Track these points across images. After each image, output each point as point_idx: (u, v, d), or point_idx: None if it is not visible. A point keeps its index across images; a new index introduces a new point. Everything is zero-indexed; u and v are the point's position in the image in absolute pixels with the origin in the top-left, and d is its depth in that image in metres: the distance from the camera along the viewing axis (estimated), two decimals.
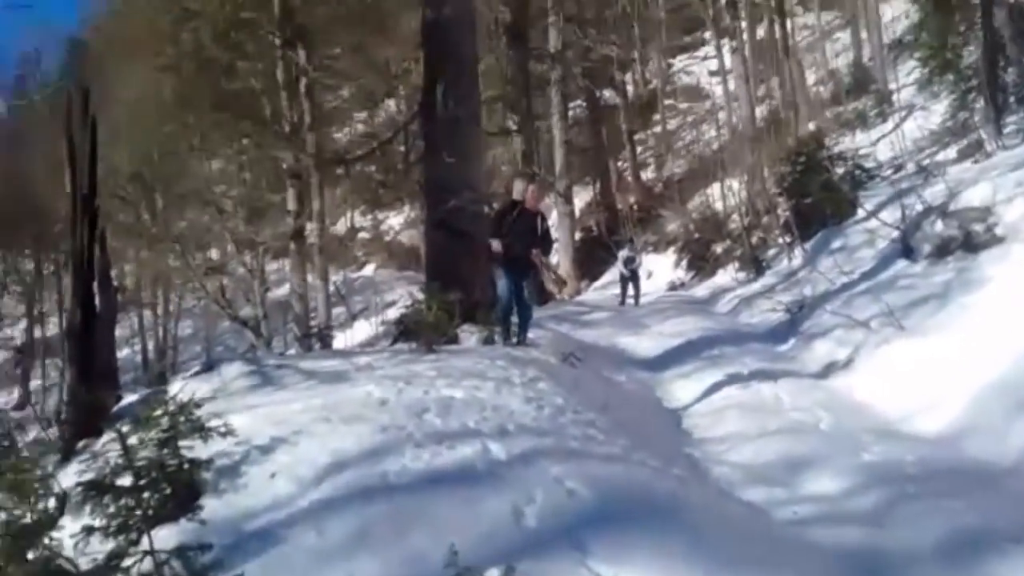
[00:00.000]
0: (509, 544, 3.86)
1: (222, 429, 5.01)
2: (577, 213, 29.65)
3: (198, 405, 5.10)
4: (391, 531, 4.02)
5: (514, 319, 9.47)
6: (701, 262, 24.49)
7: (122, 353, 20.27)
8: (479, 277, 10.47)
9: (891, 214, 11.50)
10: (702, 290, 21.57)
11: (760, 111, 28.92)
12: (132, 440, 4.56)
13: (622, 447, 5.67)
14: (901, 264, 10.27)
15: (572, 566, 3.66)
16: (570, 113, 30.60)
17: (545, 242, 9.56)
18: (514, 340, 9.31)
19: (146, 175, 19.42)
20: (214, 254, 24.93)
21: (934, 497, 5.07)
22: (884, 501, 5.14)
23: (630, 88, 37.76)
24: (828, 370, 8.98)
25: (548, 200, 9.94)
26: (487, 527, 4.03)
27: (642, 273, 21.66)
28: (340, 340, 21.27)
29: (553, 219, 27.86)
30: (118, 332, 10.24)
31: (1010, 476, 5.36)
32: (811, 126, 24.07)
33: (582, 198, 33.00)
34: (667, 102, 37.14)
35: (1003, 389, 6.27)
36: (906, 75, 22.59)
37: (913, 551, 4.44)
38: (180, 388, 6.74)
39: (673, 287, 24.37)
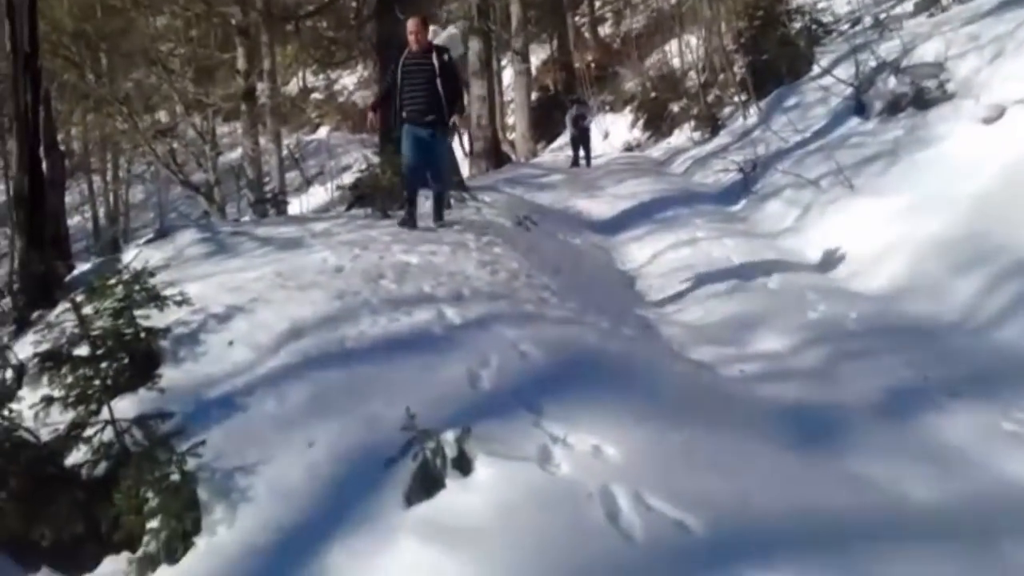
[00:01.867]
0: (465, 407, 3.94)
1: (178, 298, 5.00)
2: (534, 72, 29.10)
3: (152, 274, 5.08)
4: (349, 396, 4.09)
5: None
6: (658, 122, 24.32)
7: (72, 220, 19.89)
8: None
9: (846, 70, 11.41)
10: (658, 151, 21.52)
11: None
12: (87, 310, 4.56)
13: (575, 310, 5.78)
14: (854, 122, 10.29)
15: (526, 427, 3.75)
16: None
17: (447, 80, 7.67)
18: (416, 221, 7.73)
19: (90, 32, 18.54)
20: (163, 116, 24.20)
21: (874, 354, 5.25)
22: (827, 358, 5.33)
23: None
24: (778, 230, 9.12)
25: (449, 30, 8.66)
26: (443, 391, 4.11)
27: (598, 133, 21.44)
28: (295, 206, 21.05)
29: (509, 78, 27.48)
30: (67, 199, 10.05)
31: (950, 332, 5.54)
32: None
33: (539, 56, 32.27)
34: None
35: (947, 248, 6.42)
36: None
37: (853, 407, 4.59)
38: (134, 256, 6.71)
39: (629, 148, 24.25)
